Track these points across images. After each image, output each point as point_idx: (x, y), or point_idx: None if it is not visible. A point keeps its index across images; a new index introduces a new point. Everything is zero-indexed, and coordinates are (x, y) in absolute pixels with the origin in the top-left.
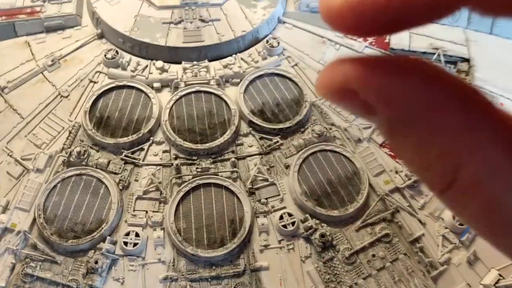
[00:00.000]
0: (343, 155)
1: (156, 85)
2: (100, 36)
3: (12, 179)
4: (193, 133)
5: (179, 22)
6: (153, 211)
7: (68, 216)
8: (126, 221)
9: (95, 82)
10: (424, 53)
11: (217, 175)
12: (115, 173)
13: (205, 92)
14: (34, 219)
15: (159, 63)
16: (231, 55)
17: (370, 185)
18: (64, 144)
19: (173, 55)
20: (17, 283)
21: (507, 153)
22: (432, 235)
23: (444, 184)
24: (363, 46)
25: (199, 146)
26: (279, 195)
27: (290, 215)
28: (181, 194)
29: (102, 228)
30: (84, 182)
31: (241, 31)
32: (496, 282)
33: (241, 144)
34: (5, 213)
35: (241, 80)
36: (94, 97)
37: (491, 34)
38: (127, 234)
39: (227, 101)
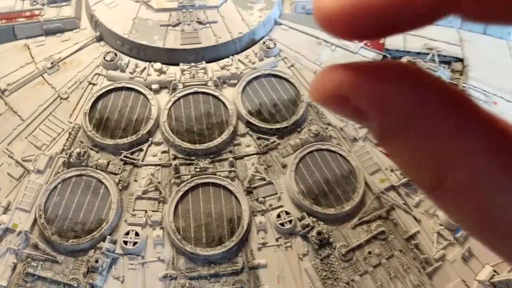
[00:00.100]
0: (339, 154)
1: (154, 86)
2: (99, 39)
3: (13, 180)
4: (191, 133)
5: (177, 24)
6: (153, 211)
7: (69, 216)
8: (125, 221)
9: (94, 84)
10: (419, 53)
11: (215, 174)
12: (115, 174)
13: (203, 93)
14: (35, 220)
15: (157, 65)
16: (228, 57)
17: (366, 183)
18: (64, 145)
19: (171, 57)
20: (18, 282)
21: (494, 157)
22: (427, 232)
23: (433, 186)
24: (359, 47)
25: (198, 146)
26: (276, 194)
27: (287, 213)
28: (180, 193)
29: (102, 227)
30: (84, 183)
31: (238, 33)
32: (491, 278)
33: (239, 144)
34: (6, 213)
35: (238, 81)
36: (94, 99)
37: (484, 34)
38: (127, 233)
39: (225, 102)
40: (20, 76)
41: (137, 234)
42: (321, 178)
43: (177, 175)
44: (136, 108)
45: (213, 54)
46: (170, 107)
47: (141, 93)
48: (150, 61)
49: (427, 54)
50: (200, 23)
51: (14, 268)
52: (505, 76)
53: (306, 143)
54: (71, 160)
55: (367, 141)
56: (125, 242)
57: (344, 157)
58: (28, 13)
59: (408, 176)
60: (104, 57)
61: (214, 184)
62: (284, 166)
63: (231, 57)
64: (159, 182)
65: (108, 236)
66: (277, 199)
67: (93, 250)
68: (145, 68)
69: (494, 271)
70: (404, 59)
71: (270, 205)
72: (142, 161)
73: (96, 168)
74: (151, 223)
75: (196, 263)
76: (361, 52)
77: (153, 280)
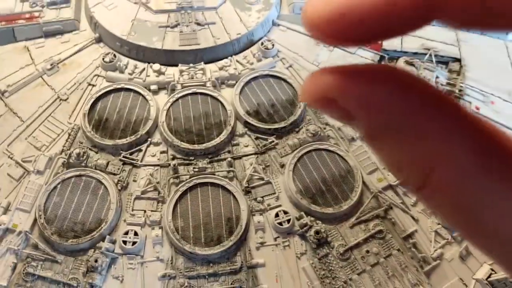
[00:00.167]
0: (337, 153)
1: (153, 87)
2: (98, 40)
3: (13, 180)
4: (190, 133)
5: (175, 25)
6: (151, 211)
7: (68, 216)
8: (125, 221)
9: (93, 85)
10: (416, 53)
11: (214, 174)
12: (114, 174)
13: (201, 93)
14: (35, 220)
15: (156, 66)
16: (226, 58)
17: (363, 182)
18: (63, 146)
19: (169, 58)
20: (18, 282)
21: (477, 157)
22: (424, 231)
23: (417, 185)
24: (356, 48)
25: (196, 147)
26: (274, 193)
27: (285, 212)
28: (179, 193)
29: (102, 227)
30: (84, 183)
31: (236, 34)
32: (488, 277)
33: (237, 144)
34: (6, 214)
35: (236, 82)
36: (93, 100)
37: (482, 34)
38: (126, 233)
39: (223, 102)
40: (20, 78)
41: (136, 234)
42: (319, 177)
43: (176, 175)
44: (135, 108)
45: (211, 55)
46: (169, 107)
47: (140, 94)
48: (149, 62)
49: (425, 54)
50: (198, 24)
51: (14, 268)
52: (503, 76)
53: (304, 143)
54: (71, 160)
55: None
56: (124, 242)
57: (342, 157)
58: (27, 15)
59: (395, 176)
60: (103, 59)
61: (212, 184)
62: (282, 166)
63: (229, 58)
64: (158, 182)
65: (108, 236)
66: (275, 199)
67: (92, 250)
68: (144, 69)
69: (492, 269)
70: (401, 59)
71: (268, 205)
72: (141, 161)
73: (96, 169)
74: (150, 223)
75: (195, 263)
76: (359, 52)
77: (152, 279)
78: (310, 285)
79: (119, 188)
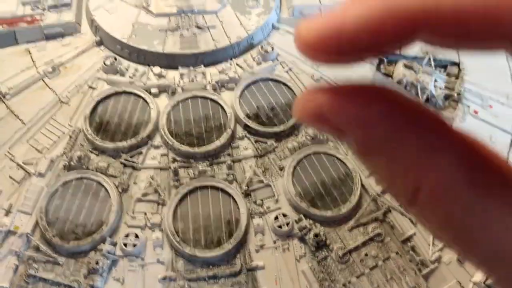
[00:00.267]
0: (336, 157)
1: (153, 90)
2: (99, 43)
3: (15, 183)
4: (190, 136)
5: (176, 29)
6: (152, 213)
7: (69, 219)
8: (125, 223)
9: (94, 88)
10: (415, 57)
11: (214, 177)
12: (115, 177)
13: (201, 97)
14: (37, 222)
15: (157, 69)
16: (226, 61)
17: (362, 186)
18: (64, 148)
19: (170, 61)
20: (20, 283)
21: (463, 173)
22: (423, 234)
23: (406, 202)
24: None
25: (196, 149)
26: (274, 196)
27: (284, 215)
28: (179, 196)
29: (103, 229)
30: (85, 186)
31: (236, 37)
32: (486, 280)
33: (237, 147)
34: (8, 216)
35: (236, 85)
36: (94, 103)
37: None
38: (127, 235)
39: (223, 106)
40: (21, 80)
41: (136, 236)
42: (318, 180)
43: (176, 177)
44: (136, 112)
45: (211, 58)
46: (169, 110)
47: (140, 97)
48: (149, 65)
49: (423, 57)
50: (199, 27)
51: (15, 270)
52: (501, 79)
53: (304, 146)
54: (72, 163)
55: None
56: (125, 244)
57: (340, 160)
58: (29, 18)
59: (387, 191)
60: (104, 62)
61: (212, 187)
62: (282, 169)
63: (229, 61)
64: (158, 185)
65: (108, 238)
66: (274, 202)
67: (93, 252)
68: (144, 72)
69: None
70: (400, 63)
71: (268, 208)
72: (142, 164)
73: (97, 171)
74: (150, 225)
75: (195, 265)
76: None
77: (153, 281)
78: None
79: (120, 190)
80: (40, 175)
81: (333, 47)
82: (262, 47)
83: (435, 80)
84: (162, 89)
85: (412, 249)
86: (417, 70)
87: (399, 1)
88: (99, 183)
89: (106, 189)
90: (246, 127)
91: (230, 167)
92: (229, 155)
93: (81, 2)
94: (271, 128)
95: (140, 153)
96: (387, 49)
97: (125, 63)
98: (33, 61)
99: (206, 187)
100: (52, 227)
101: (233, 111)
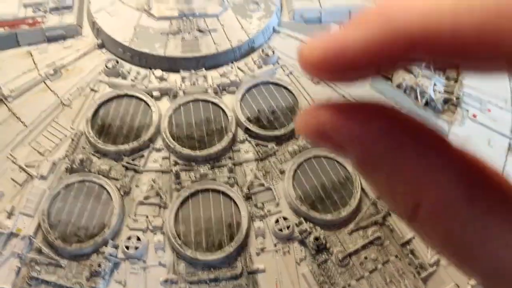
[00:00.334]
0: (336, 160)
1: (155, 93)
2: (101, 46)
3: (17, 185)
4: (191, 139)
5: (178, 32)
6: (154, 216)
7: (72, 221)
8: (127, 226)
9: (96, 91)
10: None
11: (215, 180)
12: (117, 179)
13: (203, 100)
14: (39, 224)
15: (158, 72)
16: (227, 64)
17: (362, 189)
18: (66, 151)
19: (171, 64)
20: (22, 286)
21: (462, 190)
22: None
23: (407, 218)
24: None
25: (198, 153)
26: (274, 199)
27: (285, 219)
28: (181, 199)
29: (105, 232)
30: (87, 188)
31: (237, 41)
32: None
33: (238, 151)
34: (10, 218)
35: (237, 88)
36: (96, 105)
37: None
38: (129, 238)
39: (224, 109)
40: (23, 82)
41: (138, 239)
42: (318, 184)
43: (178, 180)
44: (138, 114)
45: (213, 61)
46: (171, 114)
47: (142, 100)
48: (151, 68)
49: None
50: (200, 31)
51: (18, 272)
52: (500, 83)
53: (304, 150)
54: (74, 166)
55: None
56: (127, 247)
57: (340, 164)
58: (30, 20)
59: (387, 206)
60: (106, 64)
61: (213, 190)
62: (282, 172)
63: (230, 64)
64: (160, 188)
65: (110, 241)
66: (275, 205)
67: (95, 255)
68: (146, 75)
69: None
70: (399, 68)
71: (269, 211)
72: (144, 167)
73: (99, 174)
74: (152, 228)
75: (196, 268)
76: None
77: (155, 284)
78: None
79: (122, 193)
80: (42, 177)
81: (336, 67)
82: (263, 51)
83: (434, 84)
84: (164, 92)
85: (411, 252)
86: (417, 74)
87: (397, 23)
88: (101, 186)
89: (108, 192)
90: (247, 130)
91: (231, 170)
92: (230, 158)
93: (82, 4)
94: (272, 131)
95: (142, 156)
96: (387, 68)
97: (127, 66)
98: (34, 64)
99: (207, 190)
100: (55, 230)
101: (234, 115)
